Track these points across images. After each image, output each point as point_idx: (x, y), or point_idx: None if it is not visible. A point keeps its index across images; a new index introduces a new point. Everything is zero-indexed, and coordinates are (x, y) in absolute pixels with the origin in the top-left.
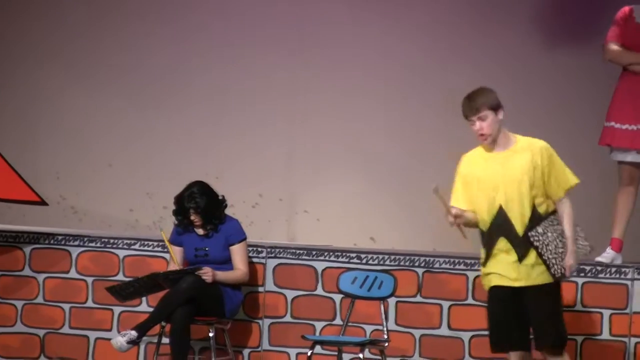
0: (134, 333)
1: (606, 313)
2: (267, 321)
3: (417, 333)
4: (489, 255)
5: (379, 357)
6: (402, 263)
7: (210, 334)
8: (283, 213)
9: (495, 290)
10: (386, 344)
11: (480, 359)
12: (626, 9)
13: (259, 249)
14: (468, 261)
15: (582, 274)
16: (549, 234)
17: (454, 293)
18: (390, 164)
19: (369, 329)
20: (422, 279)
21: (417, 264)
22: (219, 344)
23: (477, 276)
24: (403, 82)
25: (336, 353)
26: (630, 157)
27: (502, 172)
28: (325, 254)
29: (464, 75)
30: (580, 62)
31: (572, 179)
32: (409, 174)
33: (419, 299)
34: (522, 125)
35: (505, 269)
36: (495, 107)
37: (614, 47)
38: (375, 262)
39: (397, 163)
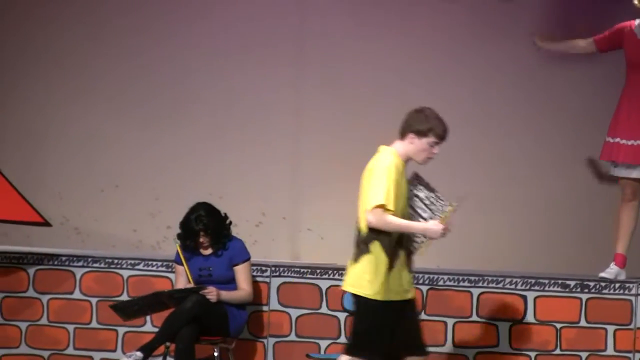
0: (139, 354)
1: (610, 329)
2: (272, 340)
3: None
4: (390, 268)
5: None
6: None
7: (215, 354)
8: (287, 231)
9: (394, 304)
10: None
11: None
12: (629, 23)
13: (263, 268)
14: (472, 278)
15: (587, 290)
16: None
17: (458, 310)
18: None
19: None
20: (426, 296)
21: (421, 281)
22: None
23: (482, 293)
24: (406, 95)
25: None
26: (636, 174)
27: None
28: (330, 272)
29: (465, 85)
30: (581, 74)
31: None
32: None
33: (423, 316)
34: (522, 135)
35: (402, 283)
36: None
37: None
38: None
39: None
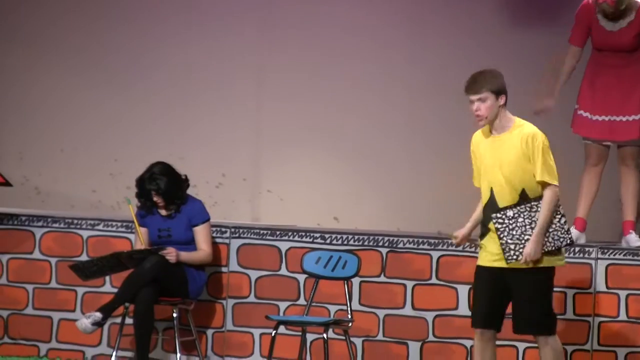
0: (98, 315)
1: (570, 292)
2: (231, 301)
3: (380, 313)
4: (484, 233)
5: (343, 337)
6: (365, 243)
7: (174, 315)
8: (247, 193)
9: (481, 269)
10: (350, 324)
11: (443, 338)
12: (584, 5)
13: (223, 229)
14: (432, 241)
15: None
16: (520, 219)
17: (417, 273)
18: (354, 144)
19: (332, 309)
20: (385, 259)
21: (380, 243)
22: (183, 325)
23: (441, 256)
24: (369, 58)
25: (300, 333)
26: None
27: (497, 155)
28: (289, 234)
29: (433, 49)
30: (547, 41)
31: (547, 177)
32: (373, 153)
33: (382, 278)
34: None
35: (493, 248)
36: (498, 92)
37: (570, 51)
38: (339, 242)
39: (361, 143)
